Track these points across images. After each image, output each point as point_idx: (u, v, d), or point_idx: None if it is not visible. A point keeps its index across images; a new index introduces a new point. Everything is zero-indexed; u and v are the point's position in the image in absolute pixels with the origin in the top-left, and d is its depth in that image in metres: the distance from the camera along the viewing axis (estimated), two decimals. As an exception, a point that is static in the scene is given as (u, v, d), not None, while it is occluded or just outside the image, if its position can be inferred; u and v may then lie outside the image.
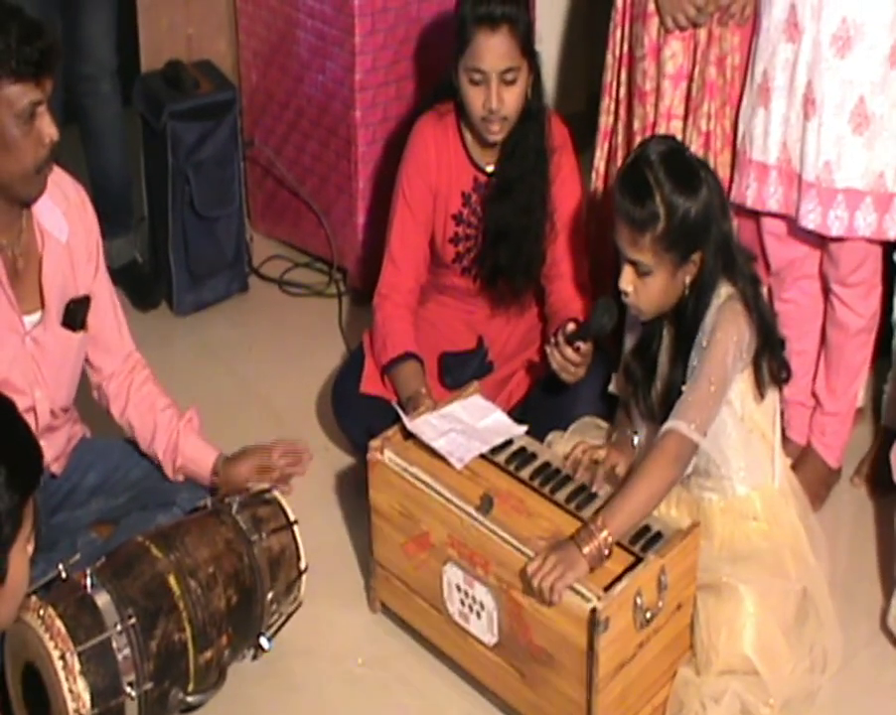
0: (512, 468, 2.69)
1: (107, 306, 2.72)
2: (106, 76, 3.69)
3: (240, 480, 2.69)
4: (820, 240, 2.96)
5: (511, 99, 2.91)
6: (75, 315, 2.63)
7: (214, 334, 3.78)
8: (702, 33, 2.98)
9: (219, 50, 4.07)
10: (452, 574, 2.58)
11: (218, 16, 4.07)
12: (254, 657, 2.67)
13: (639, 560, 2.43)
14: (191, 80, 3.75)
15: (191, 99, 3.71)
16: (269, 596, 2.59)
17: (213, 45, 4.07)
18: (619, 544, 2.45)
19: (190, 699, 2.45)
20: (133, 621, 2.35)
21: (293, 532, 2.66)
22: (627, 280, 2.54)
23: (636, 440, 2.72)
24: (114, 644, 2.33)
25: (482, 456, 2.70)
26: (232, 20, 4.06)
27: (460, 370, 3.11)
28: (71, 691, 2.27)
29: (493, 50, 2.86)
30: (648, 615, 2.39)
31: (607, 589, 2.35)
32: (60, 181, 2.59)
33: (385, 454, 2.70)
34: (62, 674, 2.27)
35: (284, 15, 3.80)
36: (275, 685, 2.69)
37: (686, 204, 2.46)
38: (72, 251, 2.61)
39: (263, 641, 2.62)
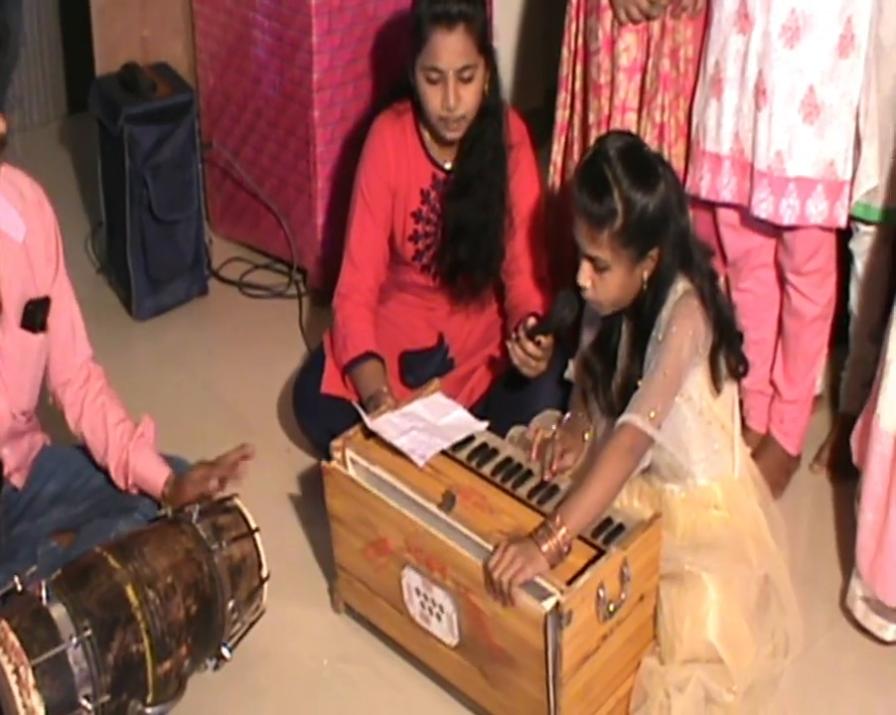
0: (474, 464, 2.69)
1: (66, 310, 2.70)
2: None
3: (187, 501, 2.66)
4: (774, 230, 2.98)
5: (468, 97, 2.91)
6: (35, 316, 2.60)
7: (174, 338, 3.76)
8: (656, 25, 2.99)
9: (175, 52, 4.04)
10: (411, 578, 2.59)
11: (173, 18, 4.04)
12: (216, 667, 2.64)
13: (601, 553, 2.44)
14: (147, 83, 3.73)
15: (147, 102, 3.69)
16: (230, 605, 2.58)
17: (169, 47, 4.04)
18: (581, 538, 2.46)
19: (149, 711, 2.43)
20: (89, 633, 2.33)
21: (254, 540, 2.64)
22: (585, 276, 2.55)
23: (588, 431, 2.74)
24: (70, 658, 2.30)
25: (444, 453, 2.70)
26: (189, 22, 4.04)
27: (421, 368, 3.11)
28: (25, 706, 2.25)
29: (449, 48, 2.86)
30: (611, 607, 2.40)
31: (570, 583, 2.36)
32: (15, 179, 2.56)
33: (346, 453, 2.70)
34: (15, 689, 2.25)
35: (241, 16, 3.79)
36: (240, 691, 2.67)
37: (644, 200, 2.47)
38: (29, 251, 2.58)
39: (224, 650, 2.61)
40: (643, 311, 2.57)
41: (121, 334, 3.74)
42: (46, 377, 2.73)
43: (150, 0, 3.99)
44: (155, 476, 2.70)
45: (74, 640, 2.31)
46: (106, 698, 2.34)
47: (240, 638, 2.67)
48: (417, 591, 2.59)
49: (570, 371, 2.83)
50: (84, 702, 2.30)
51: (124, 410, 2.76)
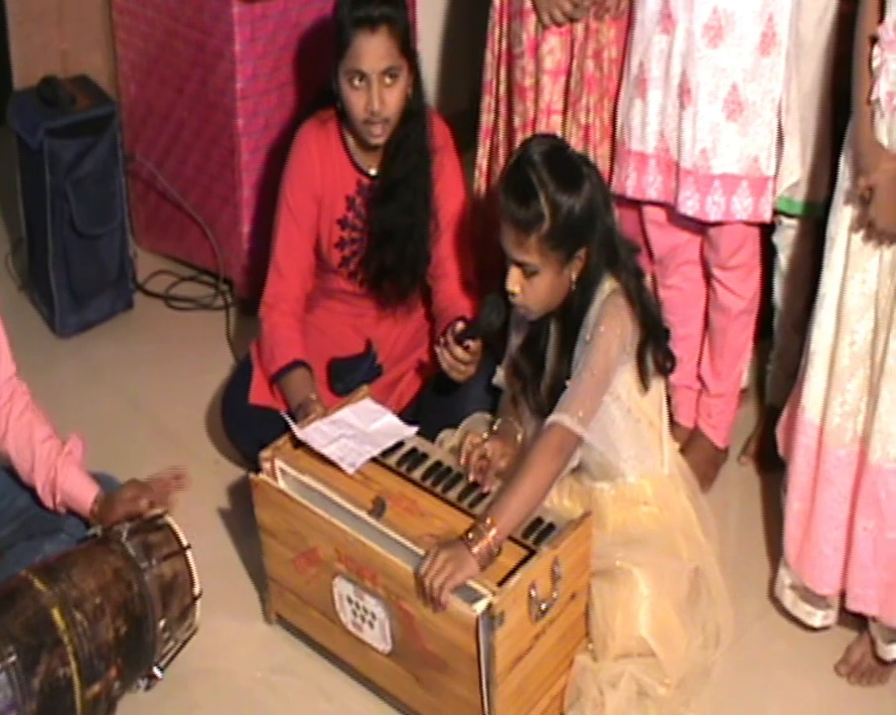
0: (403, 469, 2.69)
1: None
2: None
3: (116, 519, 2.62)
4: (700, 226, 3.00)
5: (392, 100, 2.90)
6: None
7: (99, 354, 3.72)
8: (579, 28, 3.00)
9: (95, 64, 4.00)
10: (342, 587, 2.57)
11: (93, 30, 4.00)
12: (148, 687, 2.61)
13: (532, 553, 2.44)
14: (67, 97, 3.69)
15: (68, 116, 3.64)
16: (161, 624, 2.55)
17: (88, 59, 4.00)
18: (512, 538, 2.46)
19: (78, 736, 2.40)
20: (14, 659, 2.28)
21: (186, 557, 2.62)
22: (514, 281, 2.55)
23: (519, 435, 2.74)
24: (-6, 685, 2.26)
25: (374, 459, 2.70)
26: (108, 33, 4.00)
27: (350, 376, 3.10)
28: (-51, 736, 2.22)
29: (373, 50, 2.85)
30: (543, 606, 2.40)
31: (501, 583, 2.36)
32: None
33: (276, 463, 2.68)
34: (-61, 719, 2.21)
35: (162, 26, 3.76)
36: (173, 709, 2.64)
37: (571, 201, 2.47)
38: None
39: (156, 670, 2.58)
40: (571, 312, 2.57)
41: (45, 352, 3.69)
42: None
43: (68, 12, 3.94)
44: (83, 494, 2.66)
45: (-1, 666, 2.27)
46: (33, 725, 2.30)
47: (173, 656, 2.64)
48: (349, 599, 2.57)
49: (499, 377, 2.83)
50: (10, 730, 2.27)
51: (51, 427, 2.72)
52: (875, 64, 2.45)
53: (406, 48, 2.92)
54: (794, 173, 2.94)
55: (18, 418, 2.69)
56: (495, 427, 2.78)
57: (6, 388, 2.70)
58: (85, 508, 2.66)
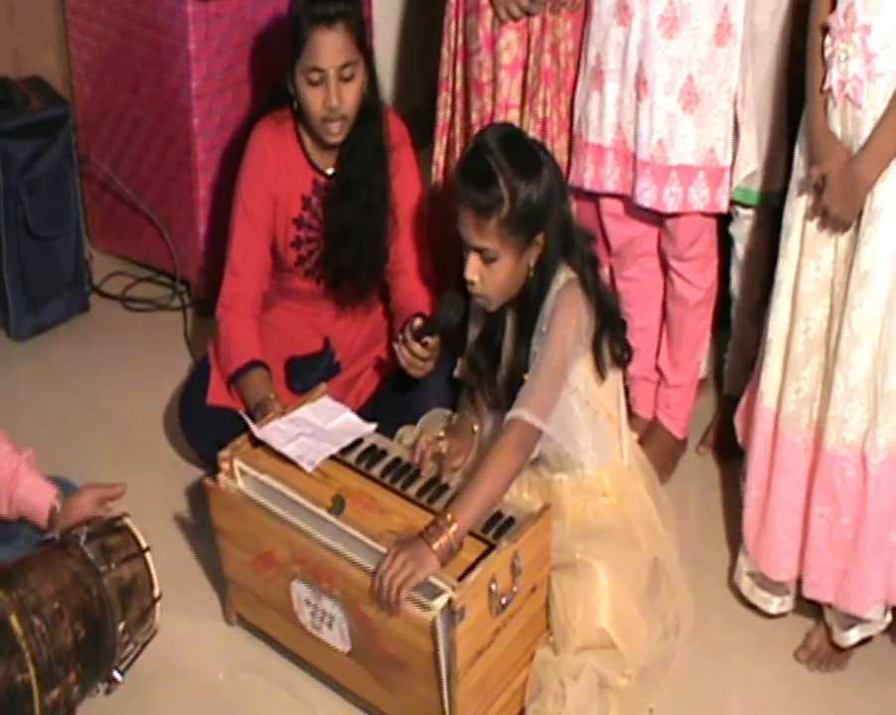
0: (362, 466, 2.68)
1: None
2: None
3: (74, 523, 2.60)
4: (657, 218, 3.01)
5: (349, 97, 2.90)
6: None
7: (55, 357, 3.69)
8: (536, 22, 3.00)
9: (48, 64, 3.96)
10: (300, 589, 2.56)
11: (45, 30, 3.96)
12: (108, 691, 2.59)
13: (492, 547, 2.44)
14: (20, 97, 3.66)
15: (21, 117, 3.62)
16: (121, 627, 2.53)
17: (41, 60, 3.95)
18: (472, 533, 2.46)
19: (37, 742, 2.37)
20: (-29, 667, 2.27)
21: (145, 560, 2.60)
22: (473, 270, 2.54)
23: (477, 428, 2.74)
24: (-49, 694, 2.24)
25: (333, 457, 2.69)
26: (62, 33, 3.96)
27: (308, 374, 3.09)
28: None
29: (330, 47, 2.85)
30: (503, 600, 2.40)
31: (461, 578, 2.35)
32: None
33: (235, 463, 2.66)
34: None
35: (116, 26, 3.73)
36: (135, 711, 2.62)
37: (529, 185, 2.48)
38: None
39: (116, 673, 2.56)
40: (528, 302, 2.57)
41: (0, 355, 3.66)
42: None
43: (20, 11, 3.90)
44: (41, 496, 2.63)
45: (-44, 674, 2.25)
46: (-10, 732, 2.28)
47: (133, 659, 2.62)
48: (307, 602, 2.56)
49: (459, 370, 2.82)
50: (-33, 738, 2.25)
51: (4, 433, 2.68)
52: (827, 53, 2.47)
53: (362, 44, 2.92)
54: (750, 163, 2.95)
55: None
56: (451, 423, 2.77)
57: None
58: (43, 512, 2.63)
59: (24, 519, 2.66)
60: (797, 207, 2.58)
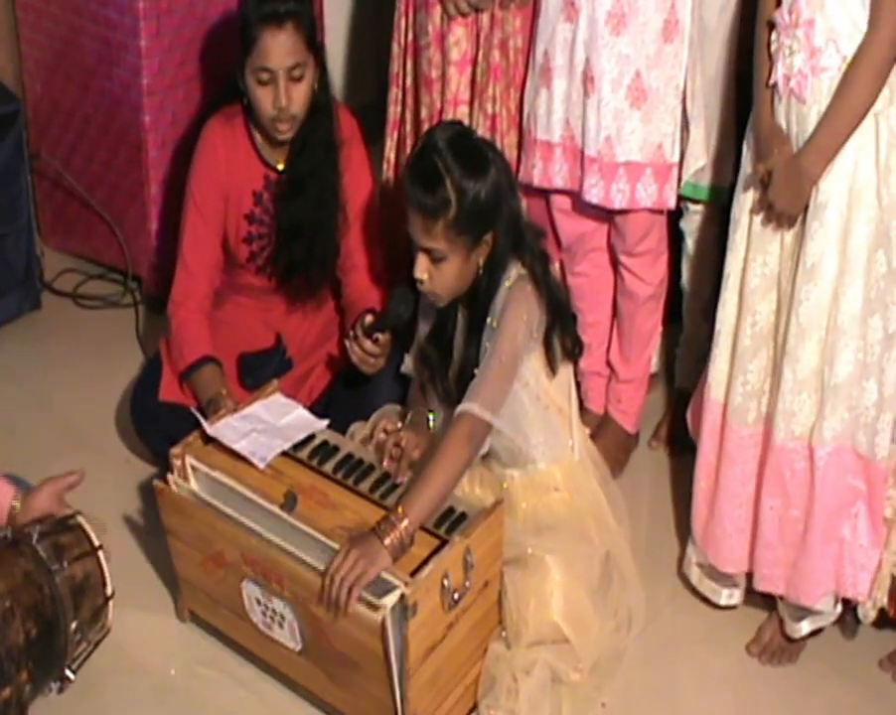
0: (315, 462, 2.68)
1: None
2: None
3: (31, 520, 2.58)
4: (606, 213, 3.01)
5: (299, 96, 2.89)
6: None
7: (6, 355, 3.66)
8: (485, 17, 3.00)
9: (-2, 62, 3.95)
10: (250, 589, 2.56)
11: (-5, 27, 3.95)
12: (60, 690, 2.58)
13: (444, 543, 2.44)
14: (-30, 95, 3.64)
15: (-29, 114, 3.59)
16: (73, 626, 2.52)
17: (-9, 57, 3.95)
18: (424, 528, 2.46)
19: (-14, 742, 2.37)
20: (-79, 664, 2.25)
21: (98, 558, 2.59)
22: (421, 268, 2.55)
23: (431, 421, 2.74)
24: None
25: (285, 453, 2.69)
26: (12, 30, 3.93)
27: (260, 370, 3.09)
28: None
29: (279, 47, 2.83)
30: (455, 596, 2.40)
31: (413, 574, 2.35)
32: None
33: (186, 460, 2.66)
34: None
35: (67, 22, 3.71)
36: (88, 709, 2.61)
37: (477, 186, 2.48)
38: None
39: (69, 672, 2.55)
40: (478, 298, 2.58)
41: (-51, 354, 3.65)
42: None
43: (-31, 10, 3.88)
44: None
45: None
46: (-61, 731, 2.27)
47: (86, 658, 2.60)
48: (258, 601, 2.56)
49: (407, 365, 2.83)
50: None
51: None
52: (773, 48, 2.48)
53: (312, 42, 2.91)
54: (699, 158, 2.96)
55: None
56: (407, 419, 2.77)
57: None
58: (1, 514, 2.61)
59: None
60: (744, 201, 2.59)
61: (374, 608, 2.33)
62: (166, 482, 2.64)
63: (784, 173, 2.44)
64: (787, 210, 2.48)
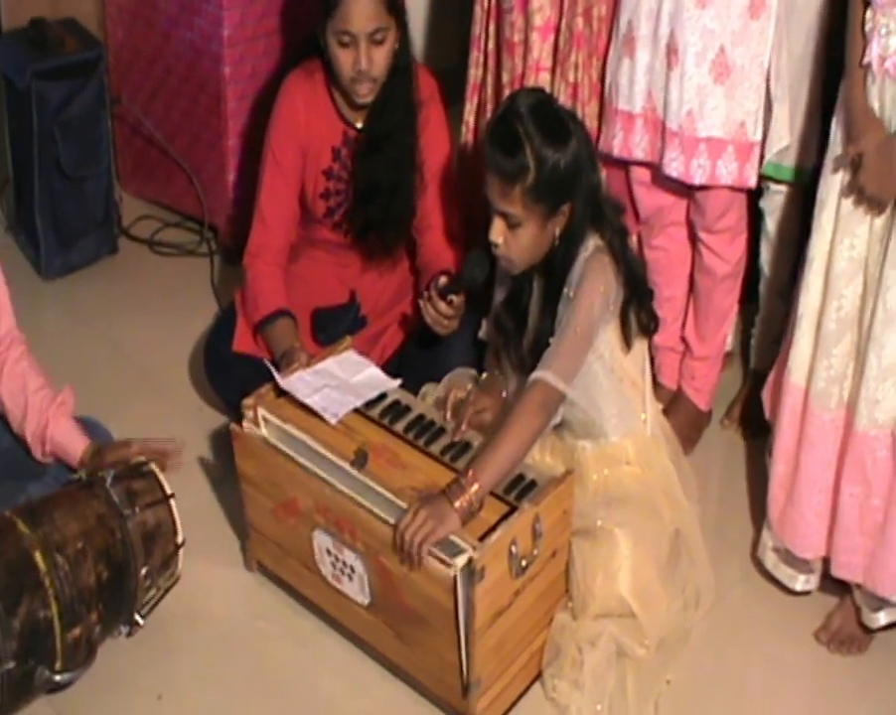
0: (386, 421, 2.68)
1: None
2: None
3: (104, 466, 2.62)
4: (686, 188, 2.98)
5: (379, 59, 2.88)
6: None
7: (83, 297, 3.70)
8: (569, -16, 2.97)
9: (83, 7, 3.95)
10: (322, 539, 2.57)
11: (81, -28, 3.97)
12: (129, 634, 2.62)
13: (513, 509, 2.44)
14: (55, 39, 3.65)
15: (56, 58, 3.61)
16: (143, 571, 2.55)
17: (77, 2, 3.94)
18: (493, 494, 2.46)
19: (57, 678, 2.40)
20: (-6, 599, 2.29)
21: (170, 506, 2.62)
22: (497, 232, 2.54)
23: (504, 389, 2.73)
24: (-26, 624, 2.26)
25: (356, 411, 2.69)
26: (97, -24, 3.97)
27: (333, 326, 3.10)
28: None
29: (361, 11, 2.82)
30: (523, 563, 2.41)
31: (482, 539, 2.36)
32: None
33: (258, 412, 2.67)
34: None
35: (151, -30, 3.73)
36: (152, 653, 2.64)
37: (556, 155, 2.47)
38: None
39: (137, 617, 2.58)
40: (554, 268, 2.57)
41: (30, 293, 3.65)
42: None
43: (58, -46, 3.90)
44: (74, 445, 2.66)
45: (-21, 606, 2.27)
46: (12, 665, 2.30)
47: (155, 604, 2.64)
48: (328, 551, 2.58)
49: (484, 331, 2.82)
50: (-13, 668, 2.27)
51: (45, 378, 2.71)
52: (867, 27, 2.44)
53: (394, 5, 2.89)
54: (783, 138, 2.93)
55: (13, 368, 2.68)
56: (480, 381, 2.78)
57: (5, 339, 2.70)
58: (75, 460, 2.66)
59: (59, 462, 2.70)
60: (832, 183, 2.55)
61: (447, 565, 2.34)
62: (241, 426, 2.66)
63: (875, 156, 2.41)
64: (877, 194, 2.44)
